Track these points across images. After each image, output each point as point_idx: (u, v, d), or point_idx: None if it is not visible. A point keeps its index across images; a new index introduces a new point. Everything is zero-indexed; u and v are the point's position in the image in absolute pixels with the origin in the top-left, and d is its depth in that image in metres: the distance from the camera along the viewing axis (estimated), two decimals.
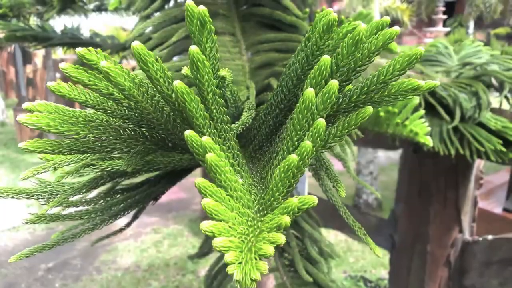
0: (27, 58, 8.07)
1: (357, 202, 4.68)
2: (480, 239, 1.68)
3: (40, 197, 0.50)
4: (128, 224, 0.61)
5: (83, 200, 0.54)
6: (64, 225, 4.04)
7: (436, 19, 11.07)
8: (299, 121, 0.33)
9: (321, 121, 0.32)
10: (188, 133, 0.31)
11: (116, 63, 0.34)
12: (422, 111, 0.89)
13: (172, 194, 4.89)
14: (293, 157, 0.29)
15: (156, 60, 0.35)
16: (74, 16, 2.99)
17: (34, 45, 1.95)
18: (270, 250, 0.26)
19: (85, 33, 2.00)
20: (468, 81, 1.27)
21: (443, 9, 11.15)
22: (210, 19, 0.37)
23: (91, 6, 3.09)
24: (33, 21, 3.08)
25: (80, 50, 0.34)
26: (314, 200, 0.29)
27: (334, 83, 0.33)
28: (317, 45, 0.38)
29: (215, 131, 0.36)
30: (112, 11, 2.95)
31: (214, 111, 0.37)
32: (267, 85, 0.73)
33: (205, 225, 0.27)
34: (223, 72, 0.46)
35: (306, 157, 0.30)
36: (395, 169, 5.78)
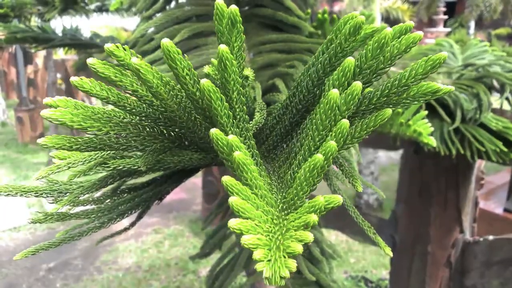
0: (28, 59, 8.07)
1: (358, 202, 4.68)
2: (481, 239, 1.68)
3: (49, 195, 0.50)
4: (133, 224, 0.61)
5: (91, 199, 0.54)
6: (65, 225, 4.04)
7: (437, 20, 11.06)
8: (322, 121, 0.34)
9: (345, 122, 0.32)
10: (214, 131, 0.32)
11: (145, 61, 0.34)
12: (425, 112, 0.89)
13: (173, 195, 4.88)
14: (319, 156, 0.30)
15: (184, 57, 0.35)
16: (76, 17, 2.99)
17: (34, 46, 1.95)
18: (298, 248, 0.27)
19: (86, 34, 2.00)
20: (469, 83, 1.27)
21: (444, 9, 11.15)
22: (240, 18, 0.37)
23: (92, 6, 3.10)
24: (34, 21, 3.08)
25: (109, 46, 0.35)
26: (340, 199, 0.29)
27: (358, 85, 0.33)
28: (341, 47, 0.38)
29: (237, 130, 0.37)
30: (113, 11, 2.95)
31: (238, 110, 0.38)
32: (271, 86, 0.73)
33: (233, 223, 0.27)
34: (247, 72, 0.47)
35: (331, 156, 0.30)
36: (396, 170, 5.78)
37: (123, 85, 0.36)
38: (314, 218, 0.28)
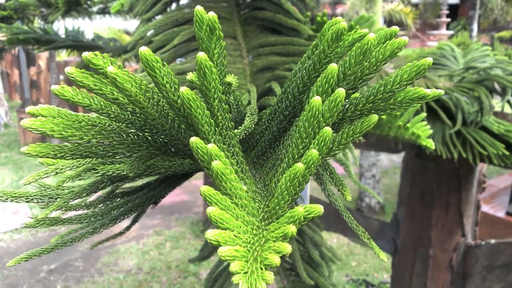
0: (31, 60, 8.10)
1: (360, 205, 4.67)
2: (483, 243, 1.67)
3: (40, 200, 0.50)
4: (128, 228, 0.61)
5: (83, 204, 0.53)
6: (66, 227, 4.04)
7: (440, 22, 11.07)
8: (305, 128, 0.33)
9: (328, 130, 0.31)
10: (194, 140, 0.31)
11: (122, 68, 0.34)
12: (423, 114, 0.88)
13: (174, 197, 4.89)
14: (299, 165, 0.29)
15: (163, 65, 0.35)
16: (78, 19, 3.00)
17: (37, 48, 1.95)
18: (275, 260, 0.26)
19: (89, 36, 2.01)
20: (471, 86, 1.27)
21: (447, 12, 11.15)
22: (219, 25, 0.37)
23: (95, 8, 3.10)
24: (37, 23, 3.09)
25: (86, 54, 0.34)
26: (320, 209, 0.29)
27: (341, 92, 0.33)
28: (325, 53, 0.38)
29: (220, 137, 0.36)
30: (114, 14, 2.95)
31: (220, 117, 0.37)
32: (268, 89, 0.73)
33: (210, 234, 0.27)
34: (229, 78, 0.46)
35: (312, 165, 0.30)
36: (398, 172, 5.77)
37: (103, 94, 0.35)
38: (292, 229, 0.28)
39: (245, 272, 0.26)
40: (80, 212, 0.54)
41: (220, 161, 0.30)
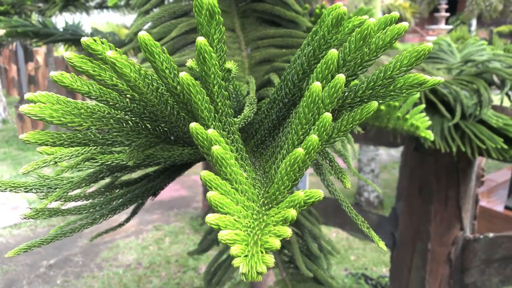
0: (29, 56, 8.08)
1: (358, 200, 4.68)
2: (481, 237, 1.67)
3: (38, 191, 0.50)
4: (127, 220, 0.61)
5: (82, 194, 0.53)
6: (65, 222, 4.04)
7: (439, 17, 11.05)
8: (305, 114, 0.33)
9: (328, 115, 0.31)
10: (194, 125, 0.31)
11: (122, 54, 0.33)
12: (422, 105, 0.88)
13: (173, 192, 4.90)
14: (300, 150, 0.29)
15: (162, 51, 0.34)
16: (76, 14, 2.99)
17: (35, 42, 1.94)
18: (276, 243, 0.26)
19: (87, 31, 2.00)
20: (469, 78, 1.27)
21: (446, 7, 11.12)
22: (219, 9, 0.37)
23: (93, 3, 3.09)
24: (35, 18, 3.08)
25: (85, 39, 0.34)
26: (320, 194, 0.29)
27: (341, 78, 0.32)
28: (324, 39, 0.37)
29: (219, 124, 0.36)
30: (112, 7, 2.94)
31: (219, 104, 0.37)
32: (266, 81, 0.73)
33: (210, 218, 0.27)
34: (229, 65, 0.46)
35: (312, 151, 0.30)
36: (397, 167, 5.78)
37: (102, 80, 0.35)
38: (293, 213, 0.27)
39: (246, 255, 0.26)
40: (79, 203, 0.54)
41: (220, 146, 0.30)
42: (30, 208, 0.48)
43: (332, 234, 3.95)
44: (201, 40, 0.33)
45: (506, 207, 3.07)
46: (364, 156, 4.63)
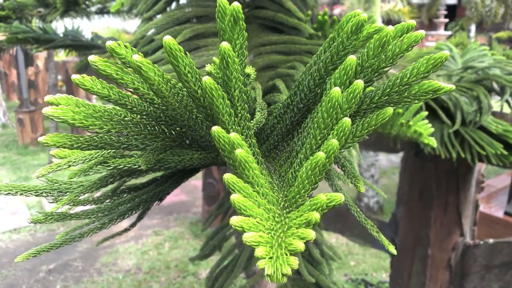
0: (29, 60, 8.08)
1: (358, 205, 4.68)
2: (481, 242, 1.67)
3: (49, 194, 0.50)
4: (133, 224, 0.61)
5: (90, 198, 0.54)
6: (65, 227, 4.04)
7: (438, 23, 11.08)
8: (323, 119, 0.33)
9: (347, 120, 0.32)
10: (216, 129, 0.32)
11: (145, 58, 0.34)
12: (425, 112, 0.89)
13: (173, 197, 4.89)
14: (321, 154, 0.30)
15: (185, 55, 0.35)
16: (77, 19, 3.00)
17: (36, 47, 1.95)
18: (300, 245, 0.27)
19: (88, 36, 2.00)
20: (469, 85, 1.27)
21: (445, 12, 11.16)
22: (243, 15, 0.37)
23: (94, 8, 3.10)
24: (35, 23, 3.08)
25: (110, 43, 0.35)
26: (341, 197, 0.29)
27: (359, 83, 0.33)
28: (343, 45, 0.38)
29: (239, 128, 0.37)
30: (114, 13, 2.95)
31: (239, 108, 0.37)
32: (271, 87, 0.73)
33: (235, 220, 0.27)
34: (248, 70, 0.47)
35: (333, 155, 0.30)
36: (397, 173, 5.78)
37: (125, 83, 0.35)
38: (316, 215, 0.28)
39: (270, 258, 0.26)
40: (86, 207, 0.54)
41: (243, 149, 0.31)
42: (39, 212, 0.49)
43: (332, 239, 3.95)
44: (225, 45, 0.34)
45: (506, 213, 3.07)
46: (364, 162, 4.63)
